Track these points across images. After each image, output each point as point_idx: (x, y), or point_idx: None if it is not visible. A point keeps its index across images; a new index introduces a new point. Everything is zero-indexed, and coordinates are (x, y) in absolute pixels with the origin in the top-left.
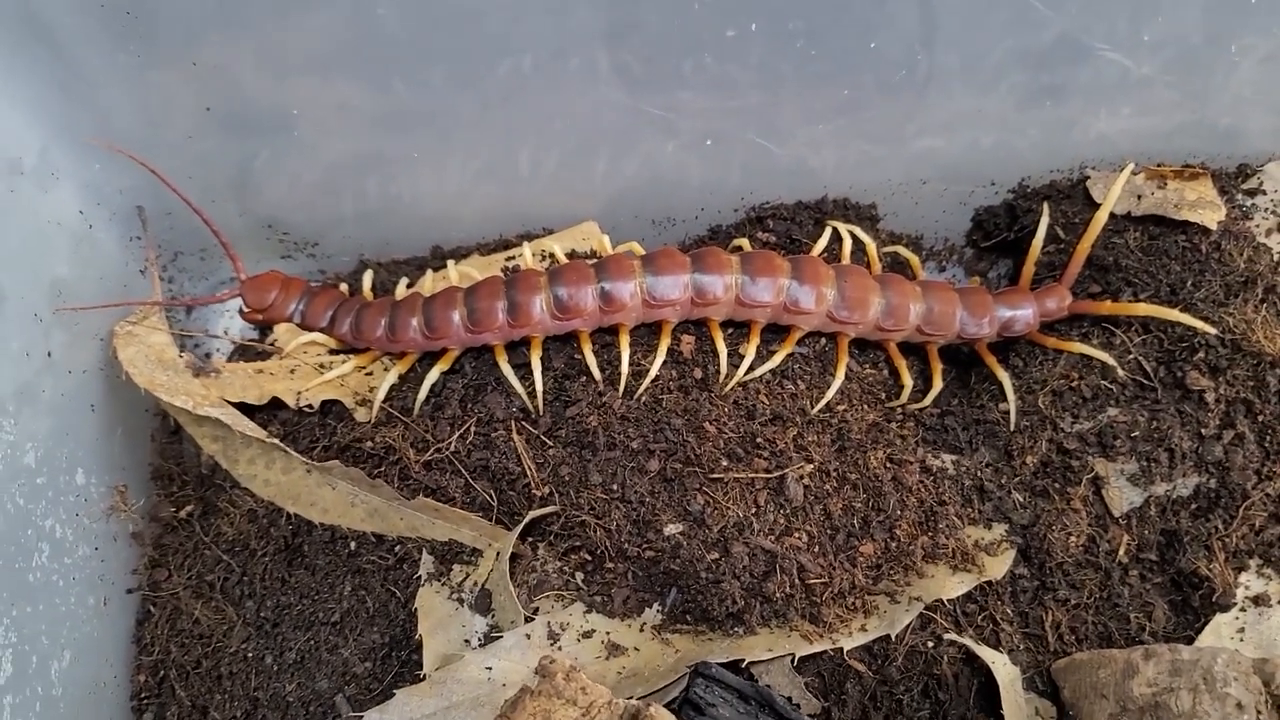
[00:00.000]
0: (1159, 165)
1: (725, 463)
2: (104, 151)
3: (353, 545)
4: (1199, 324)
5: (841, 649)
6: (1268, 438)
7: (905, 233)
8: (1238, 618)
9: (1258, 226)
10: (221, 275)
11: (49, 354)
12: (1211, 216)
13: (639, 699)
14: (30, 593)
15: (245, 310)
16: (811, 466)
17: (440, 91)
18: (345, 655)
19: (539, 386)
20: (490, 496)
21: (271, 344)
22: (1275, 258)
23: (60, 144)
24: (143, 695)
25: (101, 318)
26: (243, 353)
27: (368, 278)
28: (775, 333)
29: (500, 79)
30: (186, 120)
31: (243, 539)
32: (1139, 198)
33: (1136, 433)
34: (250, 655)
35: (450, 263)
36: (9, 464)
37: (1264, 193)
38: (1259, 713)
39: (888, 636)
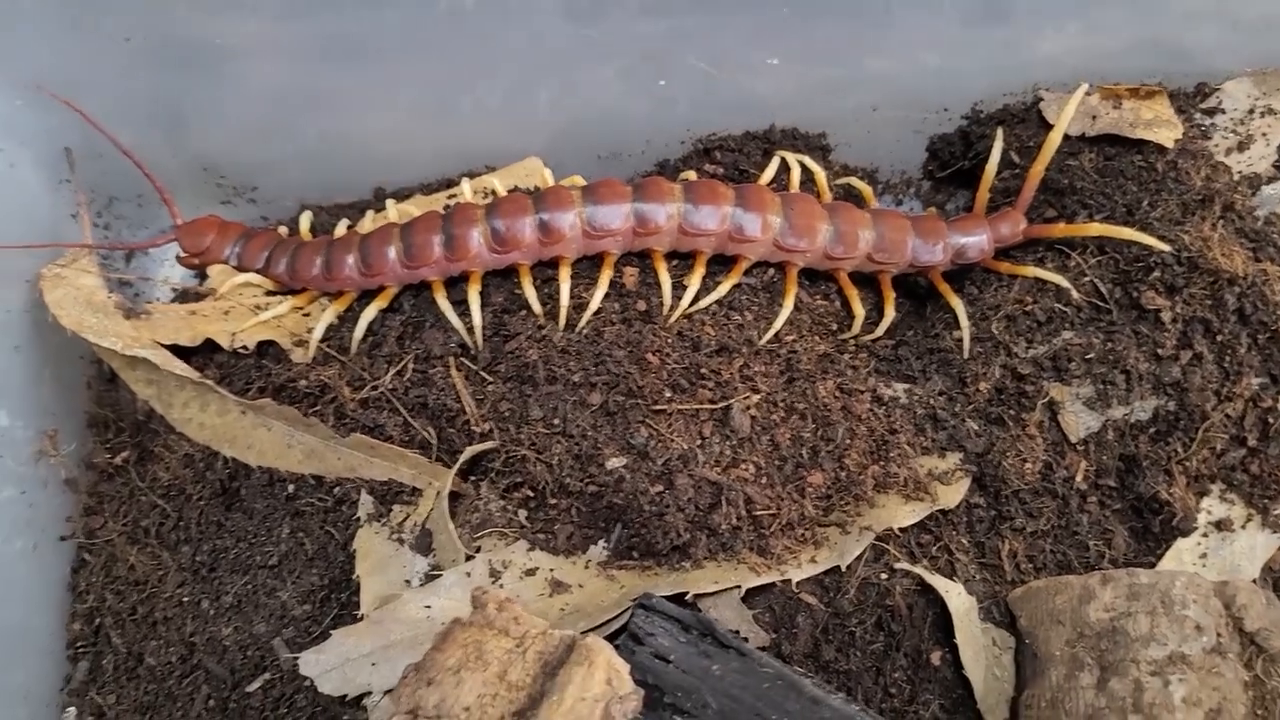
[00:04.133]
0: (1114, 85)
1: (669, 394)
2: (24, 89)
3: (291, 488)
4: (1154, 242)
5: (791, 581)
6: (1227, 357)
7: (860, 165)
8: (1199, 543)
9: (1216, 146)
10: (161, 223)
11: None
12: (1168, 135)
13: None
14: None
15: (181, 255)
16: (758, 397)
17: (380, 26)
18: (283, 598)
19: (477, 322)
20: (429, 434)
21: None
22: (1235, 176)
23: None
24: (78, 644)
25: (28, 260)
26: (183, 298)
27: (305, 218)
28: (722, 265)
29: (441, 12)
30: (113, 57)
31: (178, 484)
32: (1094, 118)
33: (1092, 355)
34: (186, 600)
35: (390, 201)
36: None
37: (1223, 111)
38: (1219, 635)
39: (839, 569)
